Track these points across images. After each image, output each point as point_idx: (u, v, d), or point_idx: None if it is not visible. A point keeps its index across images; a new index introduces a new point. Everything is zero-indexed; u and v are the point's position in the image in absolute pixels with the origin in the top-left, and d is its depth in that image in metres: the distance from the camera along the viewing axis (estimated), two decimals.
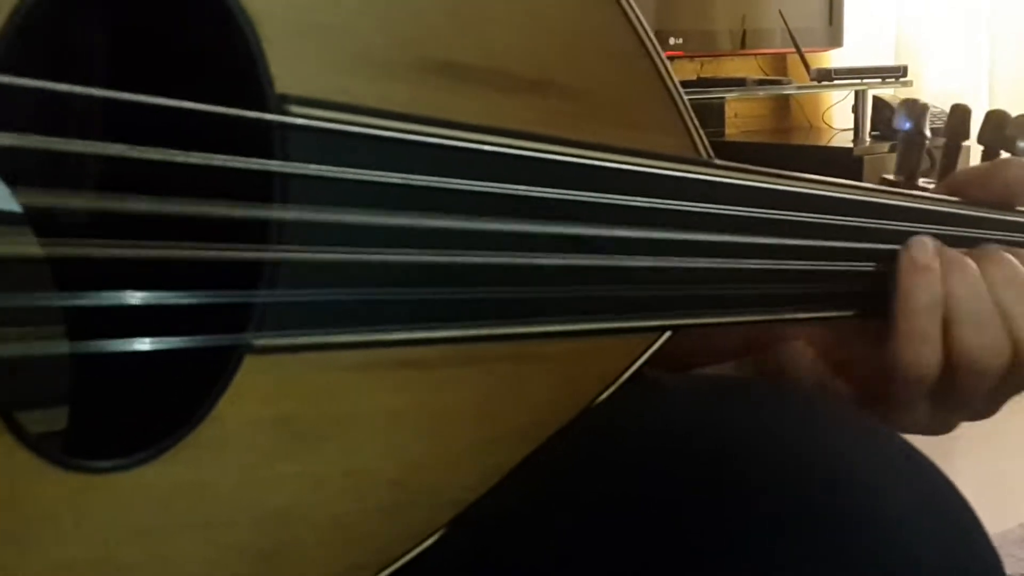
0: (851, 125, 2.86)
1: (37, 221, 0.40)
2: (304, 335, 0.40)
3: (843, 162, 2.52)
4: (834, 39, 3.05)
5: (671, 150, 0.49)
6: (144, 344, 0.36)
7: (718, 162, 0.51)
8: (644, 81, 0.48)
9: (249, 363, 0.39)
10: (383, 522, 0.44)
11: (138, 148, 0.35)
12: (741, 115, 3.18)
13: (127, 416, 0.41)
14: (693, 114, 0.50)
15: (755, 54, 3.07)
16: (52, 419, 0.42)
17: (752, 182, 0.52)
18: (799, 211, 0.53)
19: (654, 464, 0.45)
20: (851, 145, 2.70)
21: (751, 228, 0.51)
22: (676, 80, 0.49)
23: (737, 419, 0.46)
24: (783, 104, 3.31)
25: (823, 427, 0.46)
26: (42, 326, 0.38)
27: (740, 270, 0.52)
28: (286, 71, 0.38)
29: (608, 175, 0.46)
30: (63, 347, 0.38)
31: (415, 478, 0.44)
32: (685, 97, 0.50)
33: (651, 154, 0.48)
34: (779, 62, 3.24)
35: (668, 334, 0.50)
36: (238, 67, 0.38)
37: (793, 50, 2.81)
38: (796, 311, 0.54)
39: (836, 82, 2.80)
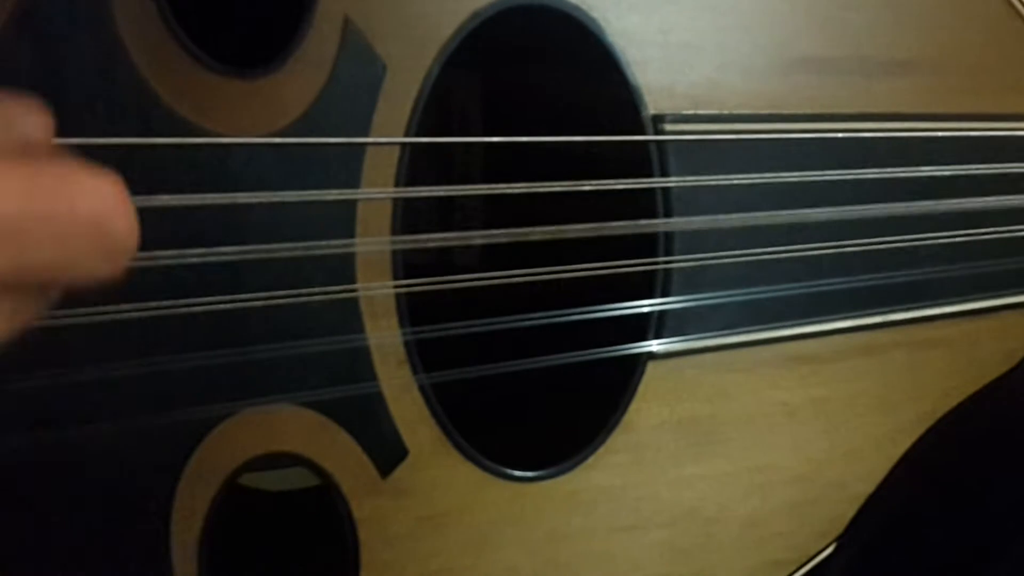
0: None
1: (435, 260, 0.45)
2: (699, 338, 0.42)
3: None
4: None
5: None
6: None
7: None
8: (1018, 41, 0.46)
9: (651, 370, 0.41)
10: (793, 518, 0.45)
11: (543, 184, 0.38)
12: None
13: (539, 428, 0.45)
14: None
15: None
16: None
17: None
18: None
19: None
20: None
21: None
22: None
23: None
24: None
25: None
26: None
27: None
28: (657, 93, 0.41)
29: (995, 144, 0.44)
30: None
31: (820, 473, 0.45)
32: None
33: None
34: None
35: None
36: (613, 97, 0.41)
37: None
38: None
39: None
